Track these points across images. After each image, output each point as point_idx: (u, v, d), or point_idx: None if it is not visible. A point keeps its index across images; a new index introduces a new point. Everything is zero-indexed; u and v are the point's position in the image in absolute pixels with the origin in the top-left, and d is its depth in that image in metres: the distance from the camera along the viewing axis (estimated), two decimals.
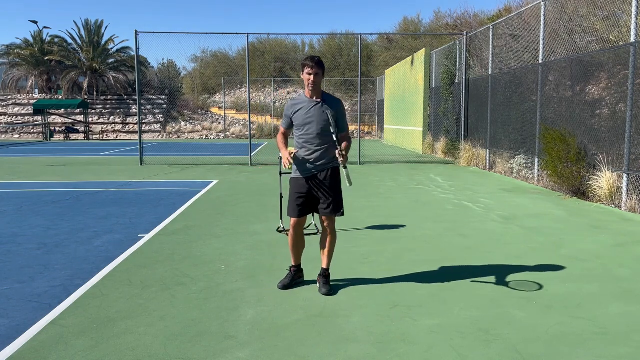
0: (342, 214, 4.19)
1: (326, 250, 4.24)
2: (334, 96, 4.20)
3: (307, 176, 4.11)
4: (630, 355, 3.11)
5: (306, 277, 4.49)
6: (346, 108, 37.04)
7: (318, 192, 4.11)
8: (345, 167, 3.97)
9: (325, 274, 4.25)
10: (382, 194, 9.43)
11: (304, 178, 4.11)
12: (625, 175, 7.78)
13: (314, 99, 4.07)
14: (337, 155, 3.92)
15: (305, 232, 5.00)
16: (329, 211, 4.10)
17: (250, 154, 15.44)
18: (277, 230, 6.35)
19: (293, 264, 4.38)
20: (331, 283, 4.30)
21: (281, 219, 6.53)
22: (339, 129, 4.07)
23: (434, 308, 3.85)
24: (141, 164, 15.05)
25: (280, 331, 3.44)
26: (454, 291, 4.21)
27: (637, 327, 3.51)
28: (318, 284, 4.25)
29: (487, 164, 13.46)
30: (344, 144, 4.02)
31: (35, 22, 42.16)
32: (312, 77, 3.97)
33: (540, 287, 4.32)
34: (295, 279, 4.35)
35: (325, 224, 4.20)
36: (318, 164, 4.09)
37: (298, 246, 4.31)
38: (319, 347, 3.20)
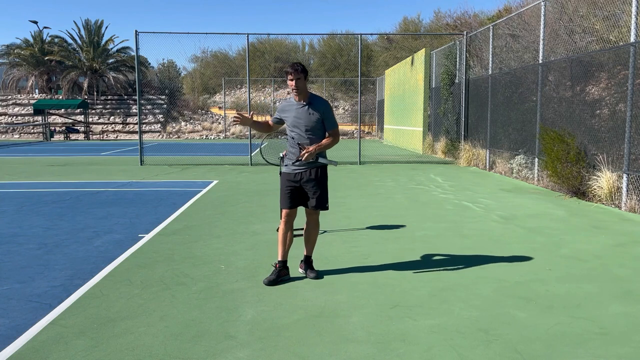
0: (327, 209, 4.59)
1: (311, 239, 4.63)
2: (321, 97, 4.54)
3: (297, 172, 4.43)
4: (630, 355, 3.11)
5: (298, 277, 4.54)
6: (346, 108, 37.29)
7: (306, 187, 4.44)
8: (316, 160, 4.38)
9: (309, 260, 4.63)
10: (382, 194, 9.43)
11: (294, 173, 4.44)
12: (625, 175, 7.78)
13: (302, 102, 4.41)
14: (302, 154, 4.31)
15: (296, 232, 5.05)
16: (315, 206, 4.48)
17: (251, 154, 15.42)
18: (277, 230, 6.35)
19: (279, 259, 4.53)
20: (331, 282, 4.38)
21: (281, 218, 6.52)
22: (327, 127, 4.47)
23: (434, 308, 3.85)
24: (141, 164, 15.05)
25: (280, 331, 3.45)
26: (454, 291, 4.21)
27: (637, 327, 3.51)
28: (304, 271, 4.56)
29: (487, 164, 13.46)
30: (314, 146, 4.32)
31: (35, 22, 42.24)
32: (293, 82, 4.32)
33: (540, 287, 4.32)
34: (281, 275, 4.49)
35: (310, 216, 4.58)
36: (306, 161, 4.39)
37: (286, 240, 4.55)
38: (319, 347, 3.20)
